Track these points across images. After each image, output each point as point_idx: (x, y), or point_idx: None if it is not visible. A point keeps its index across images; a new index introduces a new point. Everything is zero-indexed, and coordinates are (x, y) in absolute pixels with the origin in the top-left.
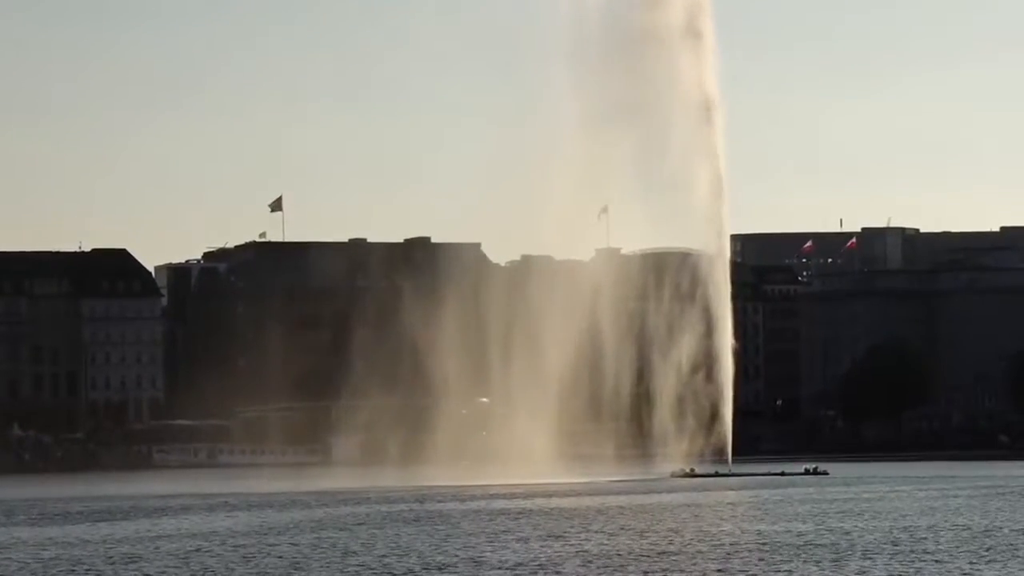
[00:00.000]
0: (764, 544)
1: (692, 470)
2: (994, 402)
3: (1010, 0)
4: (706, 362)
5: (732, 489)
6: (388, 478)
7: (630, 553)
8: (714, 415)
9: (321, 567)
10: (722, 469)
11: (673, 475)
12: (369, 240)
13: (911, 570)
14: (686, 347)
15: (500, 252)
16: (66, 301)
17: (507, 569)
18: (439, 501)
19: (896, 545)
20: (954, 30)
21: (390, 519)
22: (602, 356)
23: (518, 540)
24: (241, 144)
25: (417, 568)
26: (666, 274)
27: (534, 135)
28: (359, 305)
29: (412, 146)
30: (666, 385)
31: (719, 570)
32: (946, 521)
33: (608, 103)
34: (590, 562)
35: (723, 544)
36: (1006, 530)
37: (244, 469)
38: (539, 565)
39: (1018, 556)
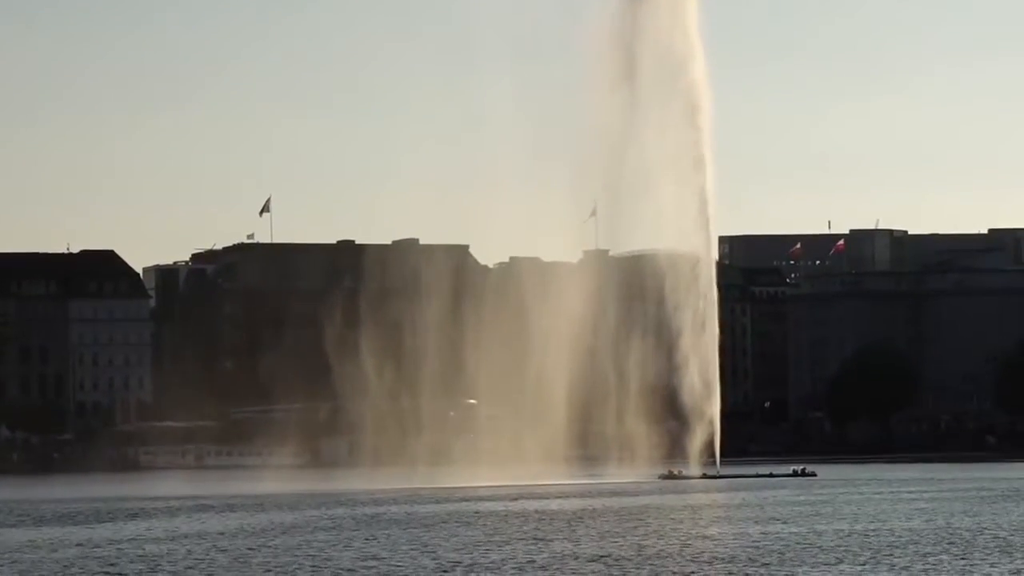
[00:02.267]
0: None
1: (680, 472)
2: (981, 403)
3: (996, 4)
4: (691, 364)
5: (720, 491)
6: (376, 480)
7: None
8: (698, 417)
9: (302, 570)
10: (710, 471)
11: (661, 477)
12: (357, 242)
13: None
14: (671, 348)
15: (488, 254)
16: (54, 302)
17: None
18: (428, 503)
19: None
20: (941, 34)
21: (374, 522)
22: (589, 358)
23: (508, 543)
24: (229, 146)
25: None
26: (653, 276)
27: (521, 137)
28: (347, 307)
29: (400, 148)
30: (652, 387)
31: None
32: (929, 523)
33: (597, 105)
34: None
35: (713, 548)
36: (987, 534)
37: (231, 471)
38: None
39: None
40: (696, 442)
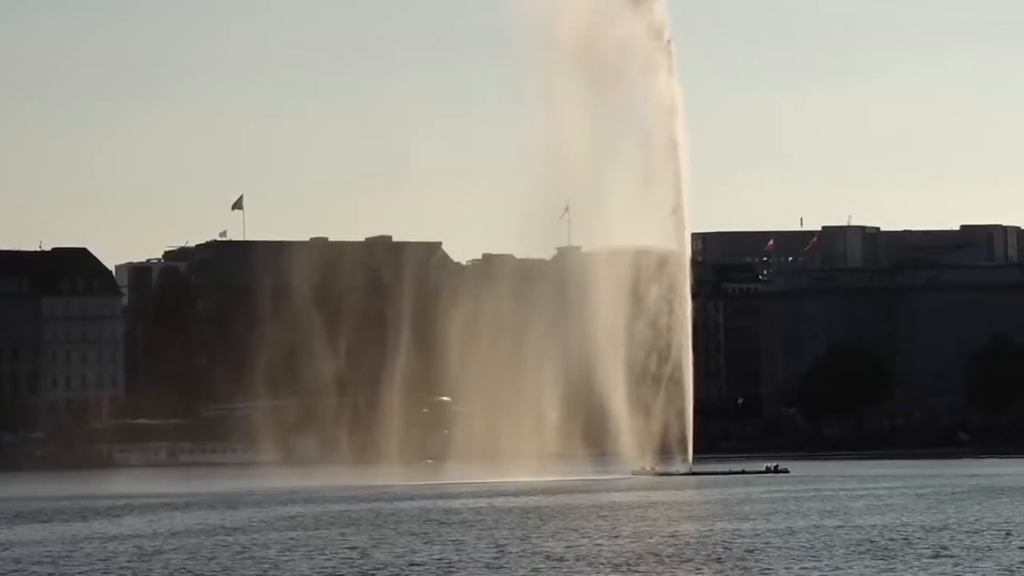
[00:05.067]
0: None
1: (652, 469)
2: (954, 399)
3: None
4: (665, 360)
5: (691, 488)
6: (348, 477)
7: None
8: (670, 413)
9: (274, 567)
10: (682, 468)
11: (634, 473)
12: (330, 239)
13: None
14: (645, 345)
15: (461, 251)
16: (27, 300)
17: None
18: (399, 500)
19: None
20: (914, 28)
21: (342, 520)
22: (562, 355)
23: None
24: (202, 143)
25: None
26: (627, 273)
27: (495, 134)
28: (319, 303)
29: (374, 145)
30: (624, 384)
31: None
32: (897, 520)
33: (571, 101)
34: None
35: (679, 545)
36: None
37: (205, 468)
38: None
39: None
40: (669, 438)
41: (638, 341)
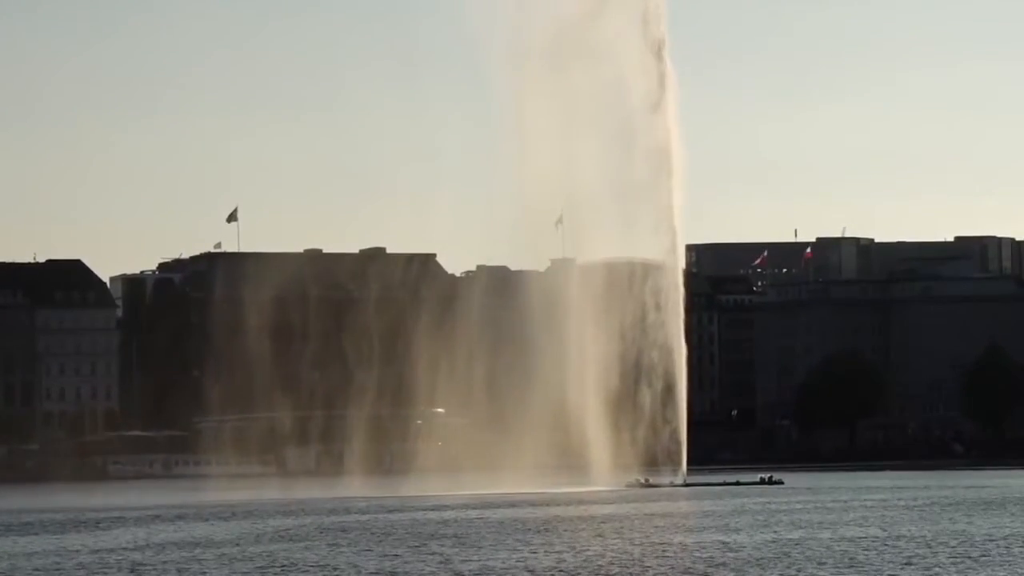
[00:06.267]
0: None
1: (646, 481)
2: (948, 411)
3: (962, 11)
4: (656, 372)
5: (685, 499)
6: (344, 489)
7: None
8: (663, 425)
9: None
10: (676, 479)
11: (627, 486)
12: (324, 251)
13: None
14: (638, 356)
15: (455, 263)
16: (21, 312)
17: None
18: (394, 512)
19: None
20: (908, 41)
21: (336, 531)
22: (555, 366)
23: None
24: (196, 155)
25: None
26: (621, 284)
27: (491, 145)
28: (314, 316)
29: (368, 156)
30: (617, 395)
31: None
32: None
33: (565, 112)
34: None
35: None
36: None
37: (199, 480)
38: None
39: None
40: (663, 450)
41: (629, 352)
